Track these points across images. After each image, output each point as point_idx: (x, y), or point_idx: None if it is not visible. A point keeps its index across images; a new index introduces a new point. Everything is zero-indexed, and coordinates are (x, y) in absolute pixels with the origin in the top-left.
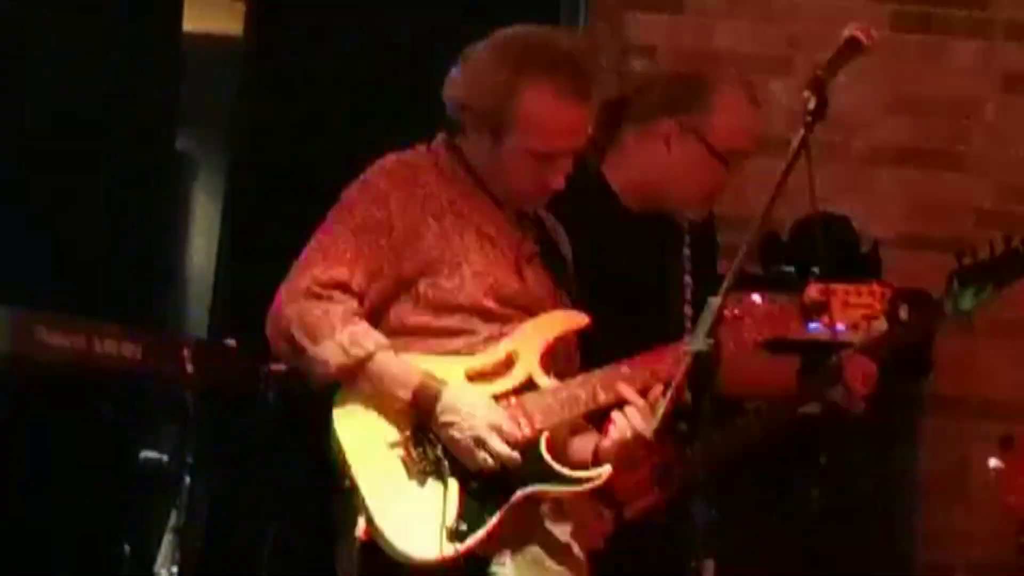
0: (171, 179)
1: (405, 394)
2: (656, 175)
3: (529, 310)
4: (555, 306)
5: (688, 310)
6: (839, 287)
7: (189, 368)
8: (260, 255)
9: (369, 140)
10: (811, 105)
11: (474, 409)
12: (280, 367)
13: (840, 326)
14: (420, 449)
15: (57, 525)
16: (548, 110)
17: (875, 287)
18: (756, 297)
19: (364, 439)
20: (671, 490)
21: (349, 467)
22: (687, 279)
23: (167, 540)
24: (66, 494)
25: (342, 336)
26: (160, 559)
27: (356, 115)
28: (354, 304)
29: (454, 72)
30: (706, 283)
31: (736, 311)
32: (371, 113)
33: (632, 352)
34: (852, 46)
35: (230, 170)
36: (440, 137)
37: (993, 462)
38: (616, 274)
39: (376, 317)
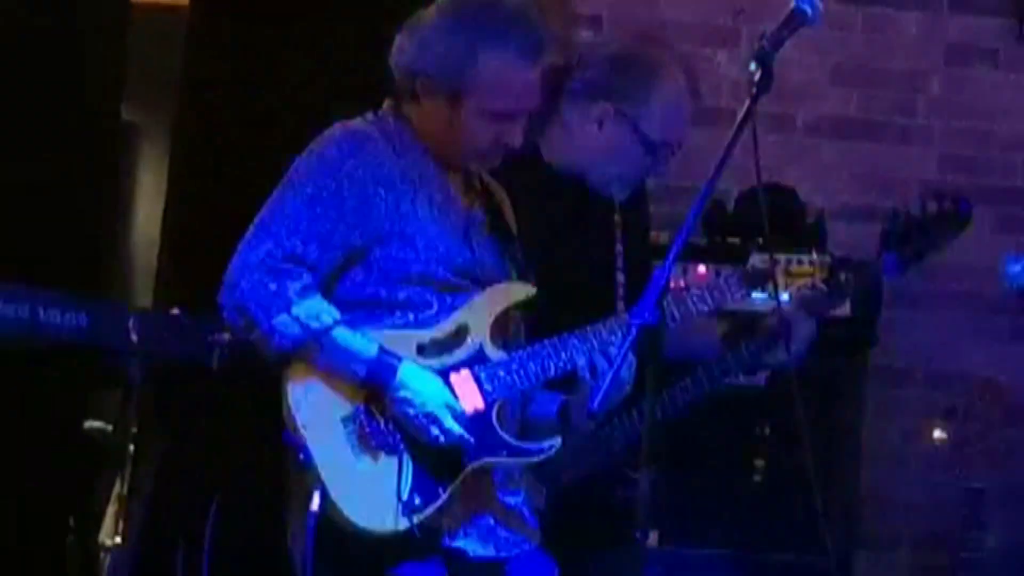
0: (117, 149)
1: (361, 369)
2: (583, 154)
3: (479, 280)
4: (504, 275)
5: (620, 277)
6: (781, 257)
7: (134, 337)
8: (205, 225)
9: (316, 110)
10: (757, 76)
11: (427, 386)
12: (225, 336)
13: (783, 296)
14: (373, 422)
15: (1, 494)
16: (507, 71)
17: (816, 256)
18: (701, 268)
19: (317, 413)
20: (609, 454)
21: (303, 441)
22: (618, 247)
23: (111, 510)
24: (10, 463)
25: (298, 310)
26: (104, 528)
27: (302, 85)
28: (309, 277)
29: (403, 39)
30: (638, 250)
31: (681, 282)
32: (317, 83)
33: (565, 320)
34: (798, 18)
35: (175, 140)
36: (387, 105)
37: (938, 434)
38: (547, 242)
39: (327, 288)
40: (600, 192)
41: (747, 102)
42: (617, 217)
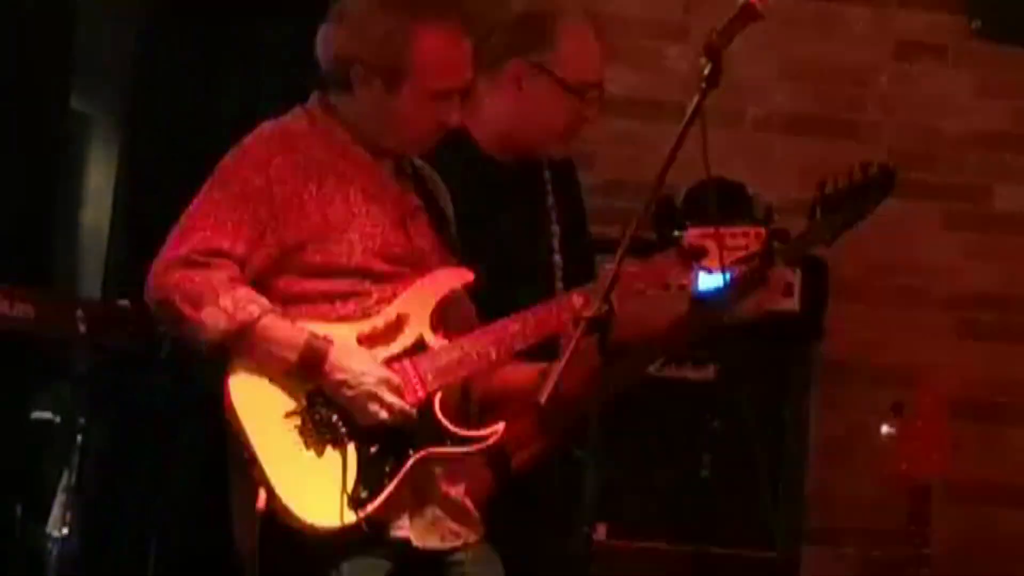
0: (66, 138)
1: (292, 355)
2: (511, 119)
3: (416, 267)
4: (441, 261)
5: (557, 258)
6: (717, 230)
7: (82, 328)
8: (155, 216)
9: (266, 101)
10: (706, 71)
11: (364, 365)
12: None
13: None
14: (316, 416)
15: None
16: (444, 49)
17: (751, 228)
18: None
19: (260, 410)
20: (555, 437)
21: (247, 439)
22: (554, 227)
23: (59, 501)
24: None
25: (225, 301)
26: (52, 520)
27: (254, 74)
28: (236, 269)
29: (331, 28)
30: (574, 231)
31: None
32: (270, 73)
33: (505, 302)
34: (747, 12)
35: (125, 129)
36: (314, 97)
37: (884, 429)
38: (481, 225)
39: (263, 287)
40: (538, 158)
41: (696, 97)
42: (551, 199)
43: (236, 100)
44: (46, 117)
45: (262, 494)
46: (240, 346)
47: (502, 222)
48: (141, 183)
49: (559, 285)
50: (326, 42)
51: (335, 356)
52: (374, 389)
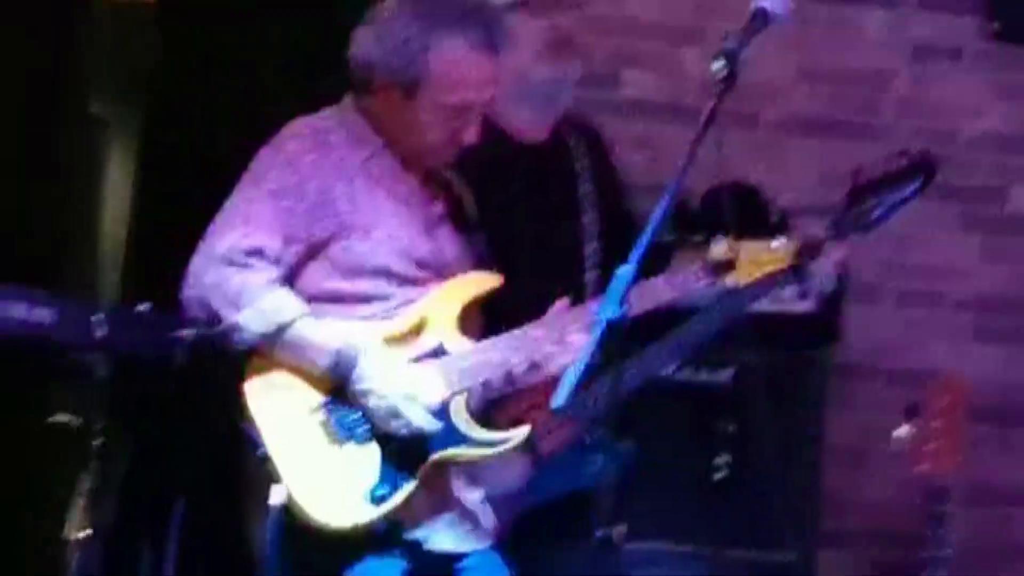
0: (85, 142)
1: (324, 360)
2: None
3: (441, 272)
4: (466, 268)
5: (588, 249)
6: (745, 244)
7: (100, 333)
8: (173, 219)
9: (284, 104)
10: (722, 74)
11: (391, 376)
12: (192, 332)
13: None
14: (337, 413)
15: None
16: (460, 64)
17: (782, 242)
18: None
19: (279, 407)
20: (582, 422)
21: (264, 436)
22: (588, 215)
23: (78, 505)
24: None
25: (263, 303)
26: (70, 524)
27: (271, 79)
28: (273, 271)
29: (361, 30)
30: (612, 219)
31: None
32: (286, 76)
33: (529, 294)
34: (763, 16)
35: (144, 133)
36: (347, 99)
37: (900, 431)
38: (507, 217)
39: (290, 281)
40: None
41: (712, 100)
42: (589, 186)
43: (254, 105)
44: (64, 122)
45: (277, 492)
46: (273, 348)
47: (527, 214)
48: (160, 187)
49: (591, 275)
50: (354, 45)
51: (365, 365)
52: (399, 404)
